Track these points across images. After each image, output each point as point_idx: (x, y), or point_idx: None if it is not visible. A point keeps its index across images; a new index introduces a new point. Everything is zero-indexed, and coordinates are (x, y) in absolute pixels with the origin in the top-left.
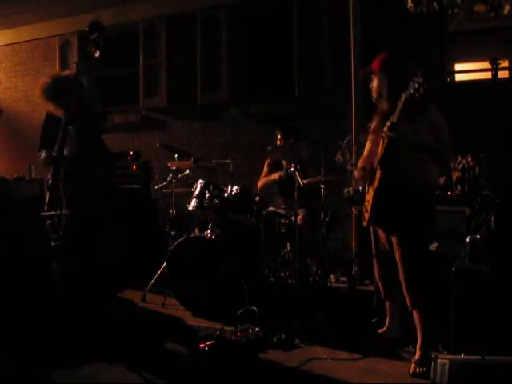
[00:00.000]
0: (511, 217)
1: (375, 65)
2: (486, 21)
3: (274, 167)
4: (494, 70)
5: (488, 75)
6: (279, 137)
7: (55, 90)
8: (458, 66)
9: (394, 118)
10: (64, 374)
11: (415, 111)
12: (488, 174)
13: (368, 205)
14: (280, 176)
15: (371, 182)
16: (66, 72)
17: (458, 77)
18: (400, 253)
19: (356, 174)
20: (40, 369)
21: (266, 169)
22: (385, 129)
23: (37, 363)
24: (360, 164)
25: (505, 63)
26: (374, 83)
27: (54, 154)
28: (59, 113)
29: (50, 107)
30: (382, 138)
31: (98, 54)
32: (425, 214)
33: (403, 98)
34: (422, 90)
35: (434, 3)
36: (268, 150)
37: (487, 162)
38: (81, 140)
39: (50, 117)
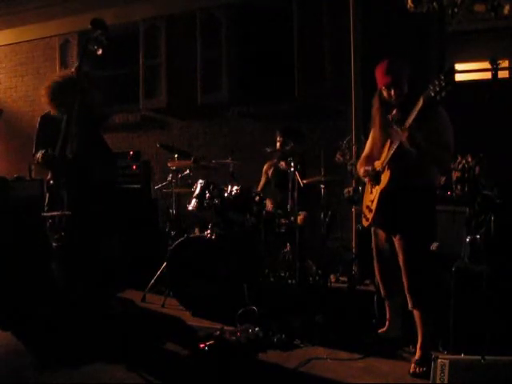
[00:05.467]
0: (511, 217)
1: (382, 75)
2: (486, 21)
3: (273, 174)
4: (494, 70)
5: (488, 75)
6: (279, 138)
7: (60, 92)
8: (458, 66)
9: (408, 124)
10: (64, 373)
11: (427, 114)
12: (488, 174)
13: (372, 205)
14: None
15: (376, 183)
16: (69, 71)
17: (458, 77)
18: (404, 254)
19: (361, 173)
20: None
21: (263, 177)
22: (403, 138)
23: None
24: (362, 165)
25: (505, 63)
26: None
27: (54, 154)
28: (57, 113)
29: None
30: (390, 139)
31: (100, 51)
32: (428, 215)
33: (421, 101)
34: (444, 93)
35: (434, 3)
36: (266, 150)
37: (487, 162)
38: (81, 140)
39: (45, 118)
